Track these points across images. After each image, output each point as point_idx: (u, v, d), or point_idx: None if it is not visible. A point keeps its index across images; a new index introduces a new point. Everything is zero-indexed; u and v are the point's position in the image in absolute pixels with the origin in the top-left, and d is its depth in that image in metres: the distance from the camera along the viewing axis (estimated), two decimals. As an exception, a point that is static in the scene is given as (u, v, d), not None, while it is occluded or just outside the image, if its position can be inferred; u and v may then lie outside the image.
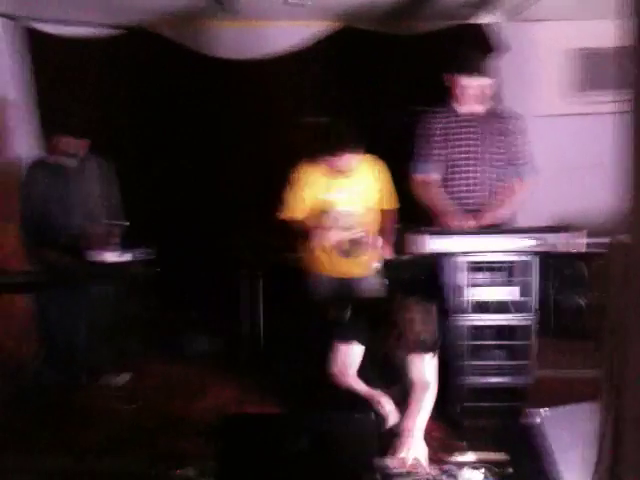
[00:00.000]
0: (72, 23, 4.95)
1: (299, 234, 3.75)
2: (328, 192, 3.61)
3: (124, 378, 4.19)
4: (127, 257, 3.56)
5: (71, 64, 4.99)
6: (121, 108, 5.13)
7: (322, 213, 3.66)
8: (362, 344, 3.15)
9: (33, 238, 3.86)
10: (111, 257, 3.54)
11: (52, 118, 4.27)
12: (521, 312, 3.29)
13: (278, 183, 4.87)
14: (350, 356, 3.15)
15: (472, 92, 3.55)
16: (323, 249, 3.68)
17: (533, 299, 3.28)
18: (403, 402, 3.25)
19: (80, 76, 5.02)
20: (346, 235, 3.65)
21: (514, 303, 3.31)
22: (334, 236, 3.64)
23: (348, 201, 3.62)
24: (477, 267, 3.31)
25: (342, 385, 3.14)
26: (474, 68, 3.55)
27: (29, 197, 3.83)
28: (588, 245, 3.29)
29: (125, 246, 3.75)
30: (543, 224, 3.43)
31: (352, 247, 3.67)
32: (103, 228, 3.89)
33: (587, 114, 5.20)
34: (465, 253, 3.26)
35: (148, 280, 4.18)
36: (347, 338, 3.16)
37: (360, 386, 3.12)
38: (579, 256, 4.38)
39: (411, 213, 3.91)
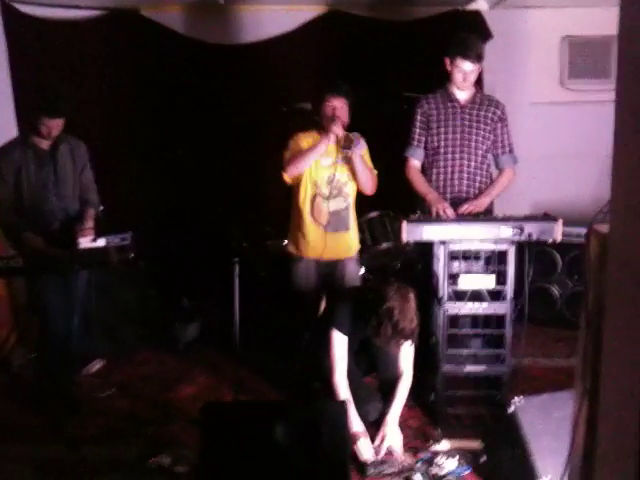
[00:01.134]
0: (53, 5, 4.85)
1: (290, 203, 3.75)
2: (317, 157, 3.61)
3: (96, 365, 4.15)
4: (101, 243, 3.49)
5: (51, 46, 4.90)
6: (102, 91, 5.05)
7: (310, 179, 3.65)
8: (344, 334, 3.13)
9: (6, 221, 3.79)
10: (84, 242, 3.47)
11: (30, 100, 4.19)
12: (497, 301, 3.30)
13: (266, 169, 4.83)
14: (336, 347, 3.13)
15: (470, 76, 3.56)
16: (306, 223, 3.66)
17: (510, 288, 3.28)
18: (382, 390, 3.27)
19: (60, 58, 4.93)
20: (330, 205, 3.64)
21: (490, 292, 3.31)
22: (319, 205, 3.64)
23: (334, 167, 3.62)
24: (455, 255, 3.30)
25: (330, 384, 3.12)
26: (475, 52, 3.55)
27: (1, 179, 3.74)
28: (566, 234, 3.30)
29: (106, 232, 3.69)
30: (522, 213, 3.42)
31: (333, 219, 3.66)
32: (77, 211, 3.83)
33: (576, 102, 5.22)
34: (443, 241, 3.25)
35: (125, 267, 4.13)
36: (329, 327, 3.15)
37: (345, 395, 3.08)
38: (556, 245, 4.41)
39: (402, 200, 3.91)
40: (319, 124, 3.66)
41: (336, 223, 3.68)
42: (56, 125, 3.67)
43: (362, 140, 3.64)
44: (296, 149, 3.66)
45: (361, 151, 3.61)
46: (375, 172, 3.73)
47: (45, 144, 3.74)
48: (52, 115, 3.63)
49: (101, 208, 3.95)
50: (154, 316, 4.58)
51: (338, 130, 3.50)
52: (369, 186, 3.68)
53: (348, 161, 3.62)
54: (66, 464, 3.00)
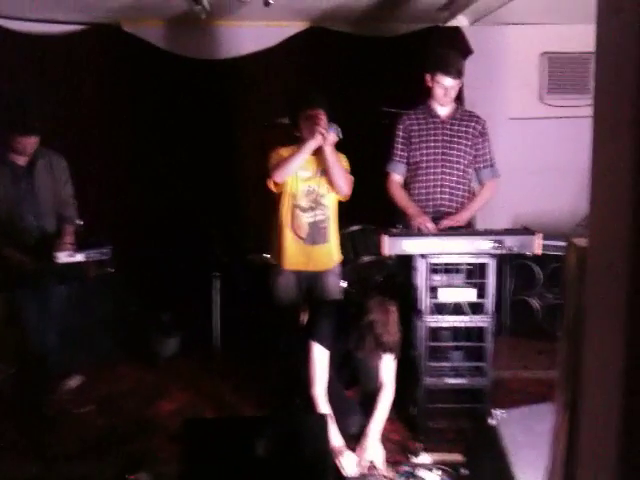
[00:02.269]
0: (33, 19, 4.82)
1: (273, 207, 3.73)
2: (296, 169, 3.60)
3: (76, 381, 4.09)
4: (80, 257, 3.46)
5: (31, 61, 4.88)
6: (83, 105, 5.04)
7: (289, 192, 3.64)
8: (325, 347, 3.12)
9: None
10: (63, 257, 3.44)
11: (5, 117, 4.16)
12: (479, 314, 3.31)
13: (247, 182, 4.79)
14: (316, 360, 3.12)
15: (451, 92, 3.60)
16: (286, 236, 3.64)
17: (490, 301, 3.30)
18: (364, 404, 3.26)
19: (40, 73, 4.91)
20: (309, 218, 3.64)
21: (472, 305, 3.32)
22: (298, 217, 3.63)
23: (313, 180, 3.63)
24: (436, 269, 3.31)
25: (311, 397, 3.10)
26: (456, 67, 3.60)
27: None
28: (545, 247, 3.34)
29: (88, 246, 3.65)
30: (502, 226, 3.45)
31: (313, 231, 3.65)
32: (55, 227, 3.79)
33: (555, 118, 5.30)
34: (424, 255, 3.27)
35: (104, 281, 4.09)
36: (310, 340, 3.13)
37: (325, 409, 3.06)
38: (536, 258, 4.45)
39: (384, 213, 3.90)
40: (299, 139, 3.64)
41: (315, 235, 3.67)
42: (30, 142, 3.63)
43: (338, 129, 3.56)
44: (278, 157, 3.63)
45: (335, 138, 3.54)
46: (351, 177, 3.68)
47: (22, 160, 3.70)
48: (24, 133, 3.59)
49: (80, 222, 3.92)
50: (134, 330, 4.53)
51: (322, 130, 3.45)
52: (343, 186, 3.60)
53: (325, 173, 3.62)
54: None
